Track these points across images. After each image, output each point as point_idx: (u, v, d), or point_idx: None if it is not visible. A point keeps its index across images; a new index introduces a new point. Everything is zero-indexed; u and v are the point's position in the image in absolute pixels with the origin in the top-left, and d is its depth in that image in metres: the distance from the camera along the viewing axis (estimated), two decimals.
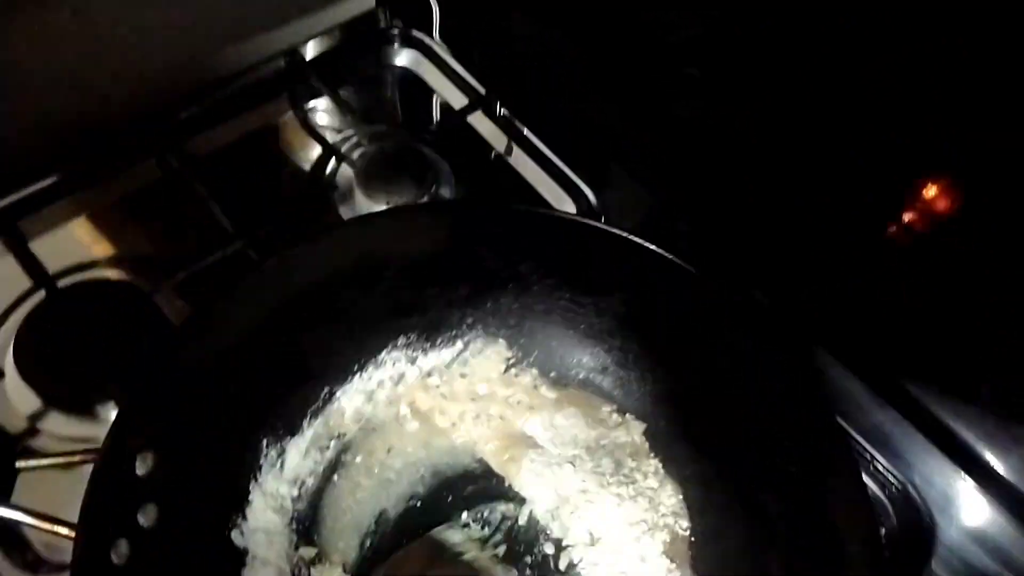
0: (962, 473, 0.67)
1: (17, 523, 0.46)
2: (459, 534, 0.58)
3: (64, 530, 0.44)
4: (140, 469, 0.50)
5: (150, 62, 0.74)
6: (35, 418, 0.60)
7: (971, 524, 0.66)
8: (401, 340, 0.67)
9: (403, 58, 0.92)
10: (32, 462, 0.48)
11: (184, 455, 0.53)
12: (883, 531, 0.63)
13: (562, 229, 0.65)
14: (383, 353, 0.66)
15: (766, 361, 0.61)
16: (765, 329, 0.61)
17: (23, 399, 0.61)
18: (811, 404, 0.59)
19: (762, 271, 0.74)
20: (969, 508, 0.67)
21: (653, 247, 0.62)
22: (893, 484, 0.66)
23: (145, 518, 0.51)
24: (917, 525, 0.64)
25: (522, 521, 0.64)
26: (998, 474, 0.66)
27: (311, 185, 0.81)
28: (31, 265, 0.66)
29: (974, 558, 0.65)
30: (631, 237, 0.63)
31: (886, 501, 0.67)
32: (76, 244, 0.72)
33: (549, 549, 0.63)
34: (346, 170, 0.81)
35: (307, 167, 0.83)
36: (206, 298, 0.55)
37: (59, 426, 0.61)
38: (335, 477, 0.63)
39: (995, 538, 0.66)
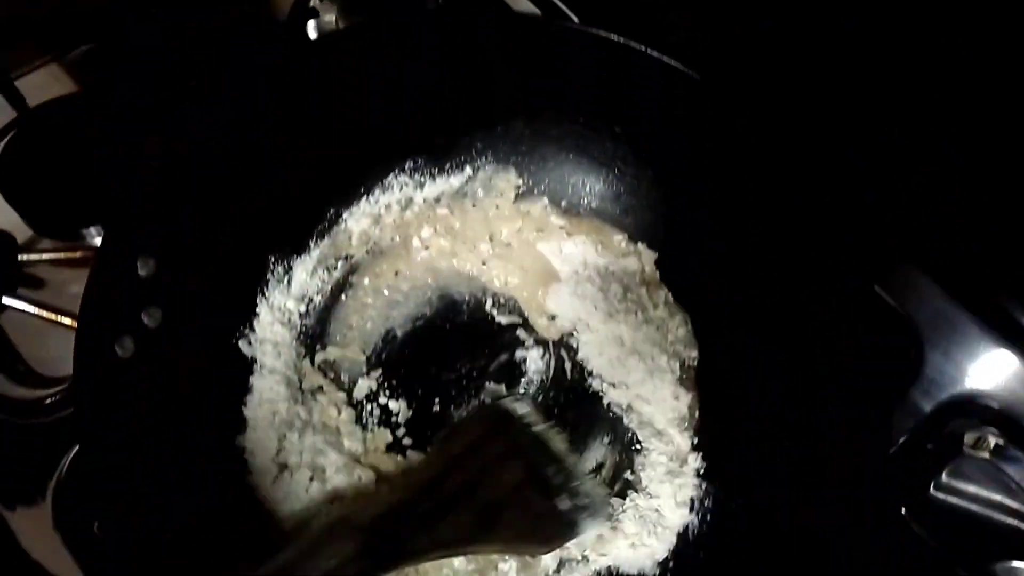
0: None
1: (22, 312, 0.46)
2: (525, 406, 0.56)
3: (67, 320, 0.44)
4: (142, 270, 0.51)
5: None
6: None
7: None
8: (408, 164, 0.65)
9: None
10: (34, 256, 0.48)
11: (186, 262, 0.54)
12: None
13: (577, 43, 0.61)
14: (390, 177, 0.65)
15: (783, 190, 0.58)
16: (787, 158, 0.58)
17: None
18: (832, 237, 0.56)
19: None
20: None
21: (676, 64, 0.58)
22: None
23: (150, 319, 0.51)
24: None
25: (535, 350, 0.63)
26: None
27: None
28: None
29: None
30: (652, 53, 0.59)
31: None
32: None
33: (570, 373, 0.63)
34: None
35: None
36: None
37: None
38: (343, 296, 0.63)
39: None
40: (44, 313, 0.46)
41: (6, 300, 0.45)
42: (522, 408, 0.54)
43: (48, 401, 0.53)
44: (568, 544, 0.52)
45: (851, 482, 0.51)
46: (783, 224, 0.59)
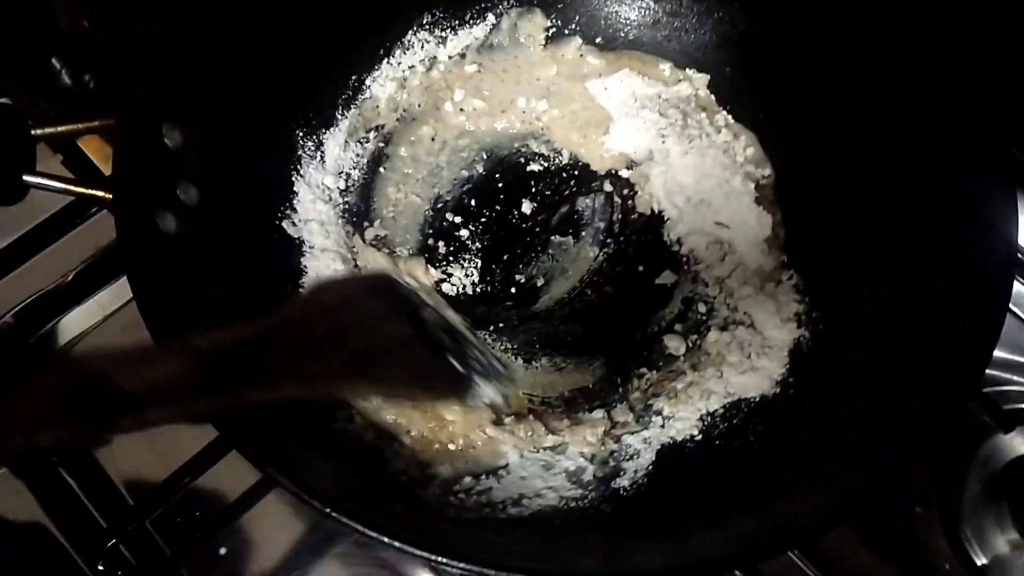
0: None
1: (49, 190, 0.41)
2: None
3: (101, 192, 0.39)
4: (168, 140, 0.45)
5: None
6: None
7: None
8: (426, 18, 0.60)
9: None
10: (48, 129, 0.42)
11: (211, 134, 0.48)
12: None
13: None
14: (408, 35, 0.59)
15: None
16: None
17: None
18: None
19: None
20: None
21: None
22: None
23: (186, 196, 0.46)
24: None
25: (598, 196, 0.59)
26: None
27: None
28: None
29: None
30: None
31: None
32: None
33: (638, 211, 0.58)
34: None
35: None
36: None
37: None
38: (380, 169, 0.59)
39: None
40: (73, 188, 0.40)
41: (27, 178, 0.39)
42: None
43: None
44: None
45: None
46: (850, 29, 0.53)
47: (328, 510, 0.35)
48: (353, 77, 0.58)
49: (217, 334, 0.36)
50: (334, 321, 0.40)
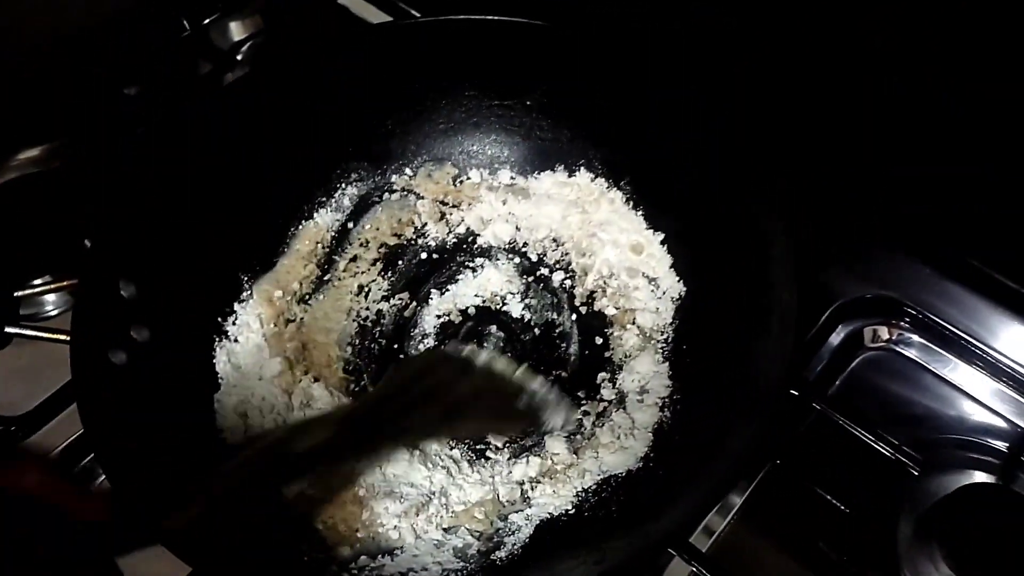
0: None
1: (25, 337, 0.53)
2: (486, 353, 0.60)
3: (63, 336, 0.51)
4: (124, 291, 0.57)
5: None
6: None
7: None
8: (353, 176, 0.73)
9: None
10: (27, 291, 0.55)
11: (162, 286, 0.60)
12: None
13: (475, 32, 0.68)
14: (337, 191, 0.72)
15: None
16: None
17: None
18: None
19: None
20: None
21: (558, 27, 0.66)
22: None
23: (139, 335, 0.58)
24: None
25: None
26: None
27: None
28: None
29: None
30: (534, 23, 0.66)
31: None
32: None
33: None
34: None
35: None
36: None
37: None
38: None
39: None
40: (44, 335, 0.52)
41: (9, 329, 0.52)
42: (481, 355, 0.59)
43: None
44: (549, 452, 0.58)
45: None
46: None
47: None
48: (290, 228, 0.71)
49: (343, 409, 0.55)
50: (420, 387, 0.53)
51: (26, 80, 0.74)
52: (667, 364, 0.63)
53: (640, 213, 0.69)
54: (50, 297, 0.63)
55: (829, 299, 0.66)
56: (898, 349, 0.66)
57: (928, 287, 0.66)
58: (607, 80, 0.66)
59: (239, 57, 0.83)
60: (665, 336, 0.64)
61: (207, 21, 0.85)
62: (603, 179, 0.71)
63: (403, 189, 0.74)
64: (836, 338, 0.66)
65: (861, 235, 0.69)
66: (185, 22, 0.84)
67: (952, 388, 0.64)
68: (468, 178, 0.74)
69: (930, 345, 0.65)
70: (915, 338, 0.65)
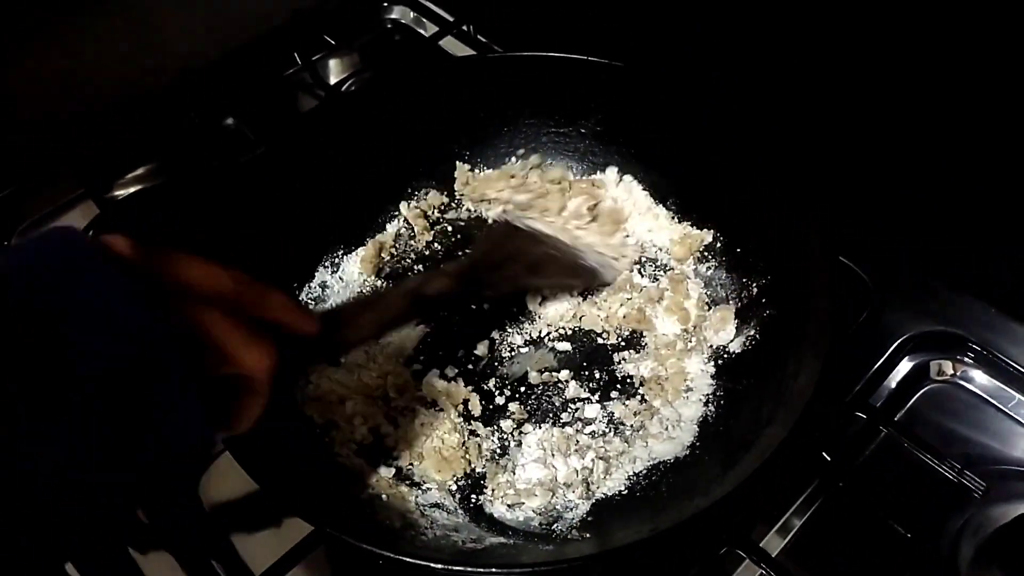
0: None
1: None
2: None
3: None
4: None
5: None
6: None
7: None
8: (421, 194, 0.80)
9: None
10: None
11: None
12: None
13: (535, 67, 0.76)
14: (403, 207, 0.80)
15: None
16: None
17: None
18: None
19: None
20: None
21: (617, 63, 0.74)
22: None
23: None
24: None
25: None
26: None
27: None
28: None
29: None
30: (594, 59, 0.74)
31: None
32: None
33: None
34: None
35: None
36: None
37: None
38: None
39: None
40: None
41: None
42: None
43: None
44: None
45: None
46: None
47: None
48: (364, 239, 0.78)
49: (454, 264, 0.67)
50: (501, 251, 0.67)
51: (142, 106, 0.84)
52: (712, 364, 0.69)
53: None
54: None
55: (897, 333, 0.70)
56: (962, 383, 0.69)
57: (992, 325, 0.70)
58: (656, 109, 0.74)
59: (343, 89, 0.93)
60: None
61: (315, 58, 0.95)
62: (650, 197, 0.78)
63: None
64: (902, 370, 0.69)
65: (929, 274, 0.73)
66: (297, 57, 0.93)
67: (1015, 422, 0.66)
68: None
69: (993, 380, 0.68)
70: (979, 373, 0.69)
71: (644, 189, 0.78)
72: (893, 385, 0.69)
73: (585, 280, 0.72)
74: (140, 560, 0.62)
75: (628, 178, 0.79)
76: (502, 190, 0.78)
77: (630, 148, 0.78)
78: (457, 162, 0.81)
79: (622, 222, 0.77)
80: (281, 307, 0.43)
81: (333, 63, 0.98)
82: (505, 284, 0.67)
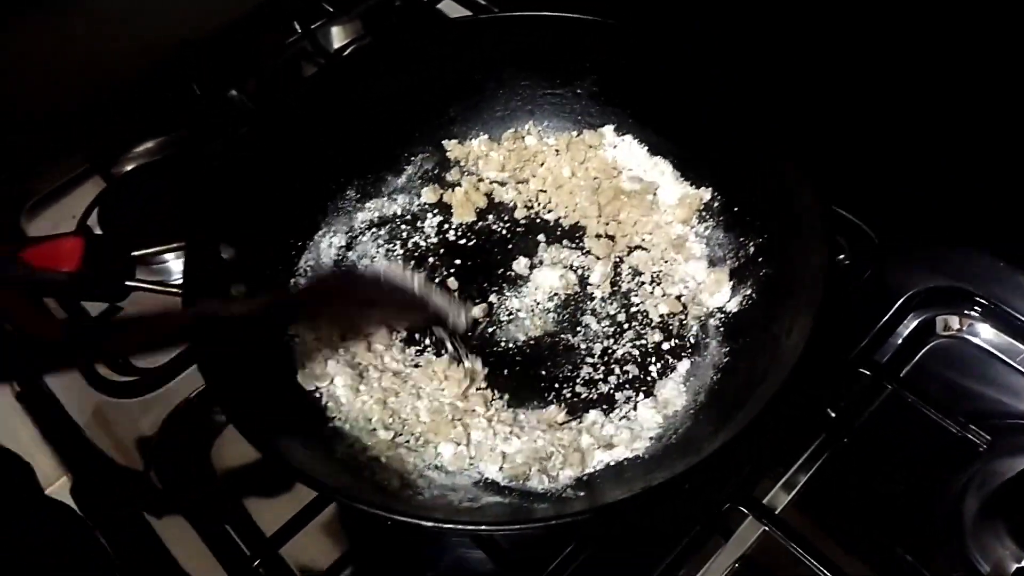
0: None
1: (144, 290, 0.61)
2: None
3: (174, 289, 0.59)
4: (224, 254, 0.65)
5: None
6: None
7: None
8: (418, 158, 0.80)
9: None
10: (143, 251, 0.64)
11: (255, 250, 0.68)
12: None
13: (528, 26, 0.75)
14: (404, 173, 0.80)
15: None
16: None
17: None
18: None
19: None
20: None
21: (611, 21, 0.72)
22: None
23: (236, 290, 0.66)
24: None
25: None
26: None
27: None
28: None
29: None
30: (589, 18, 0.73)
31: None
32: None
33: None
34: None
35: None
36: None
37: None
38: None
39: None
40: (159, 288, 0.60)
41: (128, 283, 0.60)
42: None
43: None
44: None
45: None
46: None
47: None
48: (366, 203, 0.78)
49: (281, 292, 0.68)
50: (338, 287, 0.68)
51: (145, 81, 0.84)
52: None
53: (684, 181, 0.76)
54: (175, 266, 0.74)
55: (902, 289, 0.69)
56: (968, 338, 0.68)
57: (999, 279, 0.68)
58: (651, 67, 0.72)
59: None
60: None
61: (315, 26, 0.94)
62: (649, 153, 0.77)
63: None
64: (908, 326, 0.68)
65: (935, 229, 0.72)
66: (297, 25, 0.93)
67: (1021, 376, 0.65)
68: None
69: (1001, 335, 0.67)
70: (985, 327, 0.68)
71: (642, 144, 0.77)
72: (899, 342, 0.68)
73: (419, 317, 0.69)
74: (156, 524, 0.64)
75: (628, 137, 0.78)
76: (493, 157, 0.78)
77: (626, 108, 0.77)
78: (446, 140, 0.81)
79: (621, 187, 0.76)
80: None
81: (335, 30, 0.98)
82: (325, 317, 0.67)
